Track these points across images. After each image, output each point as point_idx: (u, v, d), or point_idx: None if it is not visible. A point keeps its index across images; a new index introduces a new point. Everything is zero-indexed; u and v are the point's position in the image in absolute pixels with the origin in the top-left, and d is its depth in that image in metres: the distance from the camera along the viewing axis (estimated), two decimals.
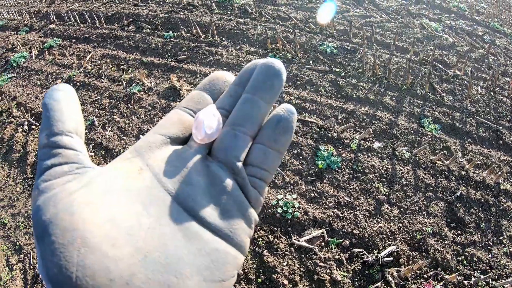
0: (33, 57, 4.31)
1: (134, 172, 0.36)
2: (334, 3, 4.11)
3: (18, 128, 3.19)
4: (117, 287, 0.28)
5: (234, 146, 0.39)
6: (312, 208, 2.13)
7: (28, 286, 2.15)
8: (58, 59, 4.04)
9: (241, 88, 0.42)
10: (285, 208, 2.10)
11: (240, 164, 0.38)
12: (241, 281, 1.91)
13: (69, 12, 5.01)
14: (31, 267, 2.23)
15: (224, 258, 0.34)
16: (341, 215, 2.10)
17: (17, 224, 2.48)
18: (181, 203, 0.35)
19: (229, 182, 0.38)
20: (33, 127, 3.15)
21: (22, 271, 2.24)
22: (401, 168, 2.31)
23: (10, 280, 2.22)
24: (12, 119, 3.33)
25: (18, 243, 2.37)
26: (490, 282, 1.87)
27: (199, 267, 0.32)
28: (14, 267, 2.27)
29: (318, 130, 2.51)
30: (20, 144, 3.05)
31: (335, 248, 1.98)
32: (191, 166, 0.38)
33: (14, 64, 4.26)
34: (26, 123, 3.21)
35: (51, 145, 0.34)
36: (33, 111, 3.33)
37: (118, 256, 0.29)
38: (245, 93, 0.41)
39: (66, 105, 0.36)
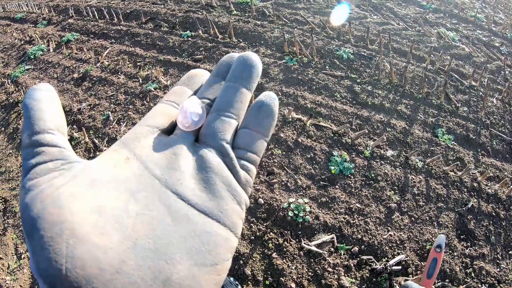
0: (51, 50, 4.35)
1: (121, 162, 0.37)
2: (347, 5, 4.11)
3: None
4: (108, 276, 0.28)
5: (221, 129, 0.40)
6: (323, 213, 2.14)
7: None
8: (76, 53, 4.07)
9: (219, 78, 0.45)
10: (296, 212, 2.10)
11: (228, 145, 0.40)
12: (249, 282, 1.91)
13: (88, 7, 5.05)
14: None
15: (215, 240, 0.34)
16: (351, 221, 2.10)
17: None
18: (170, 187, 0.35)
19: (217, 163, 0.38)
20: None
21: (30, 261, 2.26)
22: (413, 177, 2.31)
23: (18, 269, 2.24)
24: None
25: None
26: None
27: (189, 250, 0.32)
28: (23, 256, 2.30)
29: (332, 135, 2.52)
30: None
31: (344, 254, 1.98)
32: (178, 152, 0.38)
33: (32, 57, 4.30)
34: None
35: (34, 144, 0.34)
36: None
37: (107, 244, 0.29)
38: (226, 82, 0.43)
39: (46, 104, 0.36)
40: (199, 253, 0.33)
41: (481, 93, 2.96)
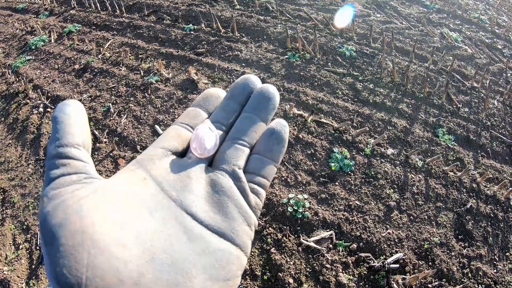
0: (52, 41, 4.34)
1: (138, 181, 0.38)
2: (352, 8, 4.11)
3: (33, 110, 3.22)
4: (127, 287, 0.29)
5: (235, 156, 0.42)
6: (323, 209, 2.14)
7: (33, 266, 2.18)
8: (77, 44, 4.06)
9: (232, 101, 0.47)
10: (295, 207, 2.10)
11: (240, 170, 0.42)
12: (247, 277, 1.92)
13: None
14: (37, 247, 2.25)
15: (228, 258, 0.36)
16: (350, 218, 2.10)
17: (26, 204, 2.51)
18: (185, 209, 0.37)
19: (230, 187, 0.40)
20: (48, 110, 3.18)
21: (28, 251, 2.26)
22: (413, 176, 2.31)
23: (16, 259, 2.24)
24: (28, 101, 3.36)
25: (26, 223, 2.40)
26: None
27: (204, 266, 0.34)
28: (21, 247, 2.30)
29: (333, 132, 2.52)
30: (34, 126, 3.08)
31: (342, 251, 1.98)
32: (192, 175, 0.40)
33: (33, 47, 4.29)
34: (41, 105, 3.24)
35: (60, 156, 0.35)
36: (49, 94, 3.36)
37: (127, 257, 0.30)
38: (244, 112, 0.46)
39: (75, 120, 0.37)
40: (213, 269, 0.34)
41: (482, 95, 2.96)
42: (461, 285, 1.87)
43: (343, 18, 3.86)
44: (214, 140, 0.42)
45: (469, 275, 1.94)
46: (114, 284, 0.28)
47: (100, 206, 0.32)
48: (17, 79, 3.76)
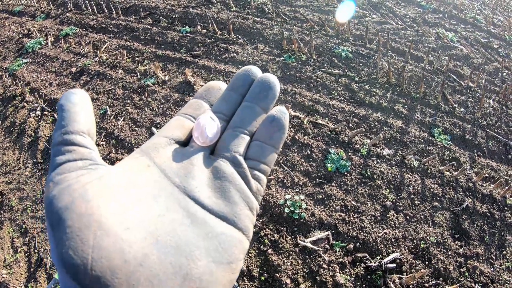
0: (49, 44, 4.34)
1: (142, 168, 0.39)
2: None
3: (31, 113, 3.22)
4: (132, 268, 0.29)
5: (236, 143, 0.44)
6: (319, 210, 2.15)
7: (32, 269, 2.18)
8: (74, 47, 4.06)
9: (233, 92, 0.48)
10: (292, 208, 2.11)
11: (241, 157, 0.43)
12: (244, 278, 1.92)
13: (87, 1, 5.03)
14: (36, 250, 2.25)
15: (231, 241, 0.37)
16: (347, 219, 2.11)
17: (24, 207, 2.51)
18: (188, 194, 0.38)
19: (231, 173, 0.41)
20: (46, 113, 3.18)
21: (26, 254, 2.26)
22: (409, 176, 2.32)
23: (14, 262, 2.24)
24: (25, 104, 3.36)
25: (24, 226, 2.40)
26: None
27: (207, 249, 0.34)
28: (19, 250, 2.30)
29: (329, 133, 2.52)
30: (31, 129, 3.08)
31: (339, 251, 1.99)
32: (195, 163, 0.41)
33: (30, 50, 4.29)
34: (38, 108, 3.24)
35: (65, 142, 0.36)
36: (46, 97, 3.36)
37: (132, 239, 0.31)
38: (244, 101, 0.47)
39: (81, 108, 0.38)
40: (216, 252, 0.35)
41: (478, 94, 2.97)
42: (458, 284, 1.88)
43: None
44: (215, 128, 0.43)
45: (466, 274, 1.95)
46: (119, 264, 0.29)
47: (105, 191, 0.33)
48: (14, 82, 3.76)
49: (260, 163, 0.44)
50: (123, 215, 0.32)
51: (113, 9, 4.61)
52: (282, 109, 0.46)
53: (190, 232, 0.35)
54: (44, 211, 0.33)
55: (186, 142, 0.45)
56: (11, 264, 2.24)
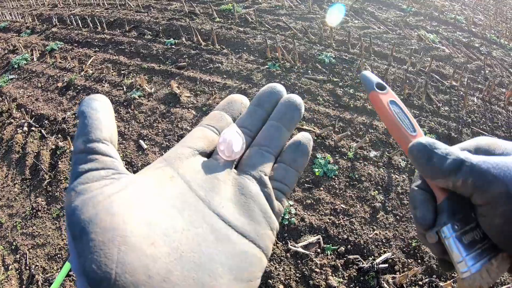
0: (35, 59, 4.33)
1: (166, 179, 0.38)
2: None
3: (18, 129, 3.21)
4: (155, 284, 0.29)
5: (262, 162, 0.44)
6: (309, 214, 2.16)
7: (24, 286, 2.16)
8: (60, 62, 4.06)
9: (259, 108, 0.48)
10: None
11: (266, 177, 0.43)
12: None
13: (72, 16, 5.04)
14: (27, 267, 2.23)
15: (252, 260, 0.36)
16: (337, 222, 2.12)
17: (14, 224, 2.49)
18: (213, 209, 0.38)
19: (257, 192, 0.41)
20: (33, 128, 3.17)
21: (17, 271, 2.24)
22: (397, 176, 2.34)
23: (6, 280, 2.22)
24: (12, 120, 3.35)
25: (14, 243, 2.38)
26: None
27: (230, 266, 0.34)
28: (10, 267, 2.28)
29: (315, 138, 2.54)
30: (19, 145, 3.06)
31: (330, 255, 2.00)
32: (220, 177, 0.41)
33: (15, 66, 4.27)
34: (26, 124, 3.23)
35: (88, 151, 0.35)
36: (33, 113, 3.35)
37: (156, 254, 0.31)
38: (270, 120, 0.47)
39: (103, 114, 0.37)
40: (238, 270, 0.35)
41: (461, 93, 3.01)
42: (451, 281, 1.89)
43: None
44: (241, 143, 0.43)
45: None
46: (143, 280, 0.29)
47: (130, 204, 0.33)
48: (1, 99, 3.74)
49: (283, 185, 0.44)
50: (148, 229, 0.32)
51: (98, 24, 4.61)
52: (308, 136, 0.47)
53: (213, 249, 0.34)
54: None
55: (209, 154, 0.44)
56: (2, 282, 2.22)
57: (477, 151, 0.43)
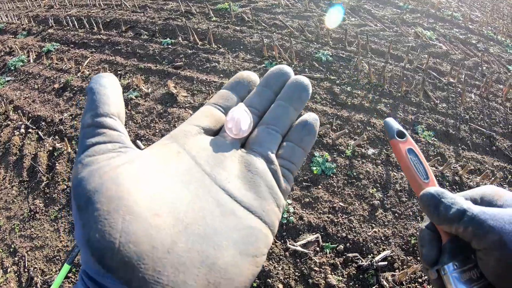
0: (31, 61, 4.32)
1: (173, 154, 0.39)
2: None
3: (15, 131, 3.20)
4: (159, 254, 0.29)
5: (269, 140, 0.44)
6: (307, 213, 2.15)
7: None
8: (56, 63, 4.05)
9: (267, 89, 0.48)
10: None
11: (273, 154, 0.43)
12: None
13: (68, 17, 5.03)
14: (26, 270, 2.23)
15: (257, 235, 0.36)
16: (335, 220, 2.12)
17: (12, 226, 2.49)
18: (219, 184, 0.38)
19: (263, 168, 0.41)
20: (30, 130, 3.16)
21: (16, 274, 2.24)
22: (395, 174, 2.34)
23: (4, 283, 2.22)
24: (9, 122, 3.34)
25: (13, 246, 2.37)
26: None
27: (235, 240, 0.34)
28: (9, 270, 2.27)
29: None
30: (16, 147, 3.06)
31: (329, 253, 2.00)
32: (226, 154, 0.41)
33: (12, 68, 4.27)
34: (23, 126, 3.22)
35: (96, 124, 0.36)
36: (30, 115, 3.34)
37: (161, 225, 0.31)
38: (278, 100, 0.47)
39: (111, 91, 0.38)
40: (242, 244, 0.35)
41: (459, 89, 3.01)
42: None
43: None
44: (249, 122, 0.44)
45: None
46: (147, 250, 0.29)
47: (136, 176, 0.33)
48: None
49: (290, 163, 0.44)
50: (153, 200, 0.32)
51: (94, 24, 4.60)
52: (315, 116, 0.47)
53: (219, 222, 0.34)
54: (72, 191, 0.31)
55: (216, 132, 0.45)
56: (1, 284, 2.21)
57: (482, 199, 0.46)
